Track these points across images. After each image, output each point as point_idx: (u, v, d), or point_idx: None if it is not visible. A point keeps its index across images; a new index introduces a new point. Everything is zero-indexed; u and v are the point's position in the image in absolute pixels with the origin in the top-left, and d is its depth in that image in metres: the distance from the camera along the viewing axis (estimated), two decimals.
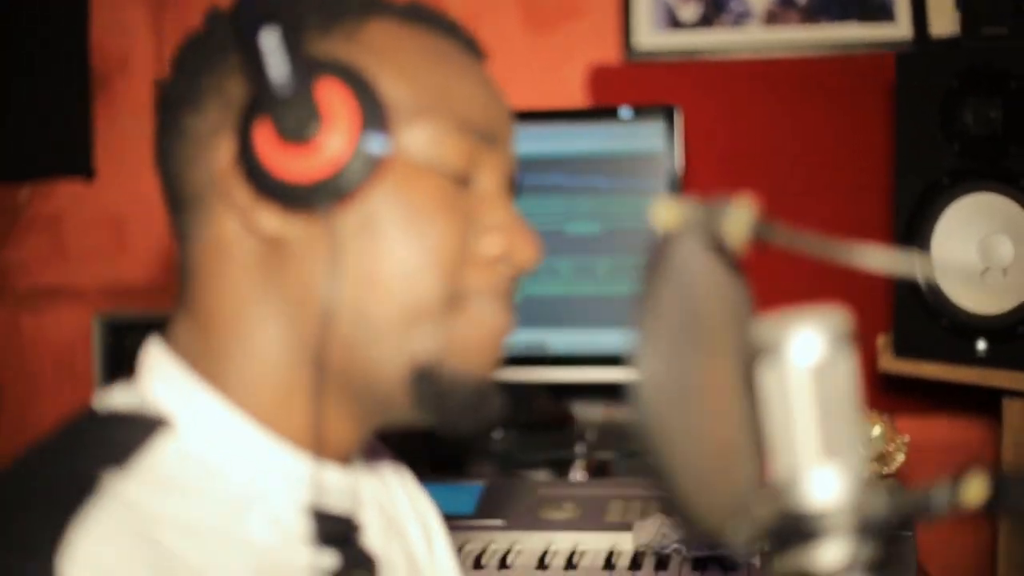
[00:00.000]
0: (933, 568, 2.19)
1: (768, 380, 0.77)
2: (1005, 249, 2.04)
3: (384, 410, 0.98)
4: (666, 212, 0.80)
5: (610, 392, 2.44)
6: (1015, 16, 2.02)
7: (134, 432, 0.94)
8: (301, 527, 0.96)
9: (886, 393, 2.40)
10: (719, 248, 0.81)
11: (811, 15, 2.65)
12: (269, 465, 0.96)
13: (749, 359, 0.82)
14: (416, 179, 0.96)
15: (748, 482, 0.83)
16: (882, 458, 2.05)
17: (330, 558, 0.97)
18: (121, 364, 2.61)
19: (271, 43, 0.90)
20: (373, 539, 1.05)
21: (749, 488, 0.83)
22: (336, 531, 0.98)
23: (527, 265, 1.01)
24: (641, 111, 2.29)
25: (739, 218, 0.80)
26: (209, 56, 1.00)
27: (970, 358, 2.08)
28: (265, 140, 0.91)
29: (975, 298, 2.08)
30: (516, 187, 1.07)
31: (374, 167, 0.92)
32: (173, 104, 1.01)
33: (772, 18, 2.66)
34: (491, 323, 0.99)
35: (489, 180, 1.02)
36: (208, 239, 0.99)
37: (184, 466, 0.93)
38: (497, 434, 2.28)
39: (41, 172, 2.89)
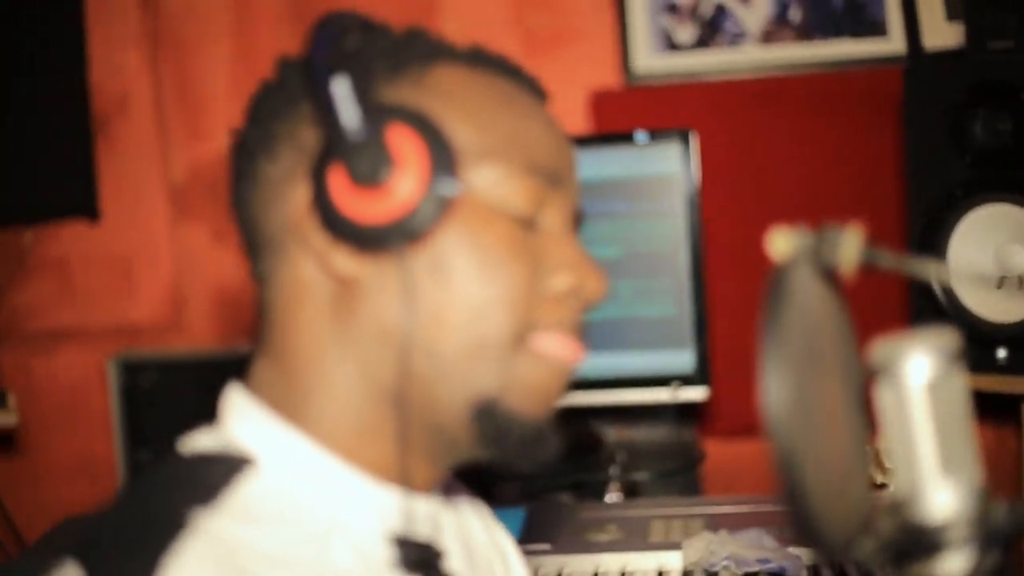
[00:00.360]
0: None
1: (886, 399, 0.80)
2: (1020, 258, 2.08)
3: (451, 447, 1.00)
4: (783, 242, 0.83)
5: (636, 414, 2.47)
6: (1020, 29, 2.07)
7: (220, 471, 0.96)
8: (384, 554, 0.98)
9: None
10: (828, 274, 0.84)
11: (806, 32, 2.69)
12: (351, 496, 0.98)
13: (858, 380, 0.85)
14: (485, 221, 0.98)
15: (863, 499, 0.86)
16: None
17: None
18: (137, 404, 2.62)
19: (342, 91, 0.94)
20: (456, 566, 1.07)
21: (864, 504, 0.86)
22: (420, 557, 1.00)
23: (596, 298, 1.03)
24: (656, 135, 2.32)
25: (851, 245, 0.83)
26: (281, 104, 1.03)
27: (991, 366, 2.12)
28: (339, 185, 0.94)
29: (993, 307, 2.12)
30: (580, 220, 1.09)
31: (444, 209, 0.95)
32: (248, 152, 1.03)
33: (768, 37, 2.70)
34: (556, 360, 1.00)
35: (554, 219, 1.04)
36: (285, 282, 1.01)
37: (269, 501, 0.96)
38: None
39: (45, 215, 2.90)
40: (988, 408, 2.36)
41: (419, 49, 1.03)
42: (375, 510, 0.99)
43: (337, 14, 1.00)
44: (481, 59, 1.05)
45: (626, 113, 2.70)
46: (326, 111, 0.94)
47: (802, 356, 0.80)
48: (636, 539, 1.87)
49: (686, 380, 2.28)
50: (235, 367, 1.06)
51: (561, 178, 1.03)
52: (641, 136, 2.32)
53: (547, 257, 1.01)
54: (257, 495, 0.96)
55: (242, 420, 1.01)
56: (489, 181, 0.98)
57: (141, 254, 2.89)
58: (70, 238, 2.91)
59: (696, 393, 2.29)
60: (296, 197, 0.99)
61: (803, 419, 0.79)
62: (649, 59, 2.74)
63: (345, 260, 0.97)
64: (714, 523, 1.88)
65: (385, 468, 1.00)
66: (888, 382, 0.80)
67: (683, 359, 2.29)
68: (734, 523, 1.85)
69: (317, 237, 0.97)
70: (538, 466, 0.99)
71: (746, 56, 2.70)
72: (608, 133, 2.49)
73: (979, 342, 2.13)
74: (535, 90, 1.07)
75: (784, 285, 0.81)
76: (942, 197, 2.14)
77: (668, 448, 2.46)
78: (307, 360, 1.00)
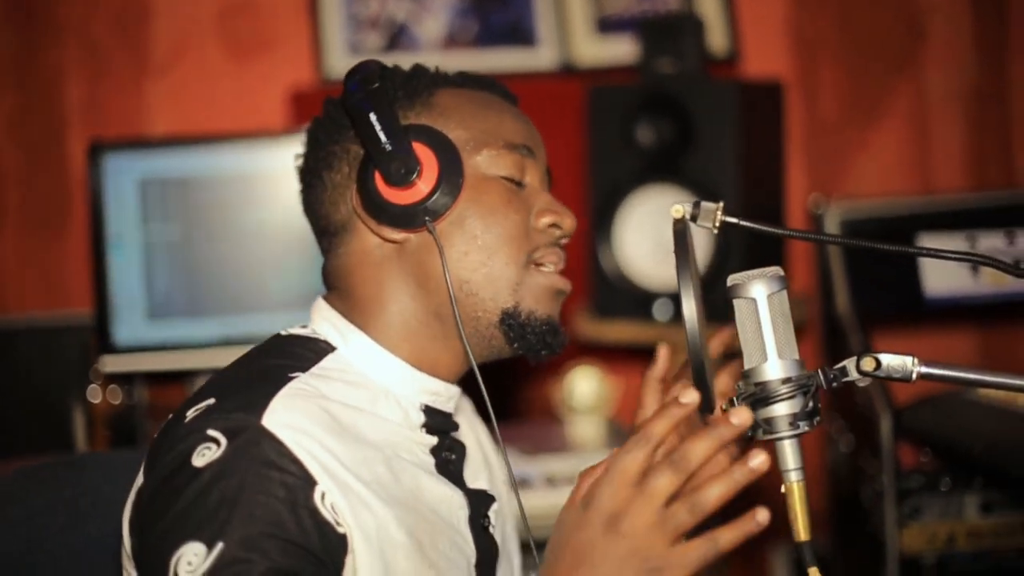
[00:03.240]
0: None
1: (742, 308, 1.28)
2: None
3: (487, 345, 1.44)
4: (679, 209, 1.31)
5: None
6: (680, 53, 2.64)
7: (313, 349, 1.42)
8: (418, 418, 1.43)
9: (588, 354, 2.93)
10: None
11: (474, 44, 3.15)
12: (398, 375, 1.42)
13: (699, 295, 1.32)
14: (486, 186, 1.43)
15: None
16: (600, 403, 2.61)
17: (432, 439, 1.44)
18: None
19: (375, 120, 1.37)
20: (464, 436, 1.53)
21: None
22: (440, 423, 1.46)
23: (571, 228, 1.49)
24: None
25: (715, 212, 1.32)
26: (334, 130, 1.47)
27: (651, 321, 2.69)
28: (381, 185, 1.38)
29: (654, 274, 2.70)
30: (550, 178, 1.54)
31: (456, 190, 1.40)
32: (313, 168, 1.48)
33: (446, 45, 3.14)
34: (552, 279, 1.47)
35: (533, 179, 1.49)
36: (354, 249, 1.45)
37: (343, 372, 1.40)
38: None
39: None
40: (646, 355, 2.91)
41: (423, 81, 1.47)
42: (414, 386, 1.43)
43: (362, 63, 1.42)
44: (467, 80, 1.51)
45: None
46: (367, 135, 1.37)
47: (696, 281, 1.28)
48: None
49: None
50: None
51: (533, 150, 1.48)
52: None
53: (533, 205, 1.46)
54: (336, 367, 1.40)
55: (327, 324, 1.45)
56: (483, 160, 1.44)
57: None
58: None
59: None
60: (353, 195, 1.43)
61: (703, 321, 1.26)
62: (341, 62, 3.08)
63: (394, 233, 1.41)
64: None
65: (422, 361, 1.44)
66: (743, 297, 1.28)
67: None
68: None
69: (371, 221, 1.41)
70: (553, 354, 1.45)
71: (428, 61, 3.07)
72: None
73: (643, 302, 2.69)
74: (506, 94, 1.54)
75: (685, 237, 1.28)
76: (616, 186, 2.69)
77: None
78: (371, 295, 1.43)
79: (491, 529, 1.47)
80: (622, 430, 2.61)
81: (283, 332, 1.47)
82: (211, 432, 1.27)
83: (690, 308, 1.25)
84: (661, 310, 2.68)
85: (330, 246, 1.48)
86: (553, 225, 1.47)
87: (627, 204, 2.69)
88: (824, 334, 2.82)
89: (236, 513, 1.23)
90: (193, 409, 1.32)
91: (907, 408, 2.54)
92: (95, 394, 2.61)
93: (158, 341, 2.48)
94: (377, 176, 1.38)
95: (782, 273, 1.30)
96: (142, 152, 2.52)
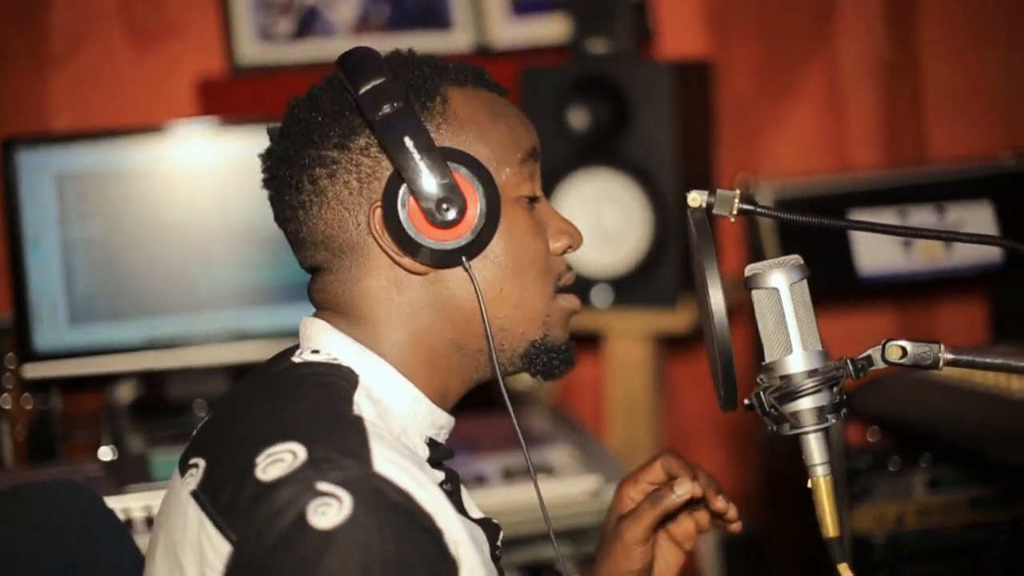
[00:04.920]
0: None
1: (762, 300, 1.23)
2: (611, 217, 2.61)
3: (492, 371, 1.33)
4: (696, 197, 1.25)
5: None
6: (613, 31, 2.59)
7: (346, 381, 1.26)
8: (423, 452, 1.30)
9: None
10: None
11: (387, 27, 3.06)
12: (415, 407, 1.30)
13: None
14: (512, 213, 1.30)
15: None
16: (541, 393, 2.55)
17: (440, 473, 1.32)
18: None
19: (412, 145, 1.22)
20: (453, 464, 1.40)
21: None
22: (439, 455, 1.33)
23: (581, 245, 1.41)
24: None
25: (732, 199, 1.26)
26: (336, 134, 1.26)
27: (589, 307, 2.64)
28: (417, 218, 1.24)
29: (591, 260, 2.64)
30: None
31: (495, 227, 1.28)
32: (310, 170, 1.27)
33: (359, 29, 3.05)
34: (571, 302, 1.38)
35: (537, 187, 1.35)
36: (369, 274, 1.29)
37: (374, 403, 1.26)
38: None
39: None
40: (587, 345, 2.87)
41: (430, 75, 1.29)
42: (427, 419, 1.31)
43: (363, 52, 1.28)
44: (466, 75, 1.33)
45: (231, 101, 2.90)
46: (402, 163, 1.22)
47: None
48: None
49: None
50: None
51: (539, 151, 1.36)
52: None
53: (548, 225, 1.35)
54: (367, 399, 1.25)
55: (340, 347, 1.29)
56: (507, 181, 1.30)
57: None
58: None
59: None
60: (367, 215, 1.26)
61: (727, 310, 1.21)
62: (252, 49, 2.97)
63: (421, 267, 1.27)
64: None
65: (435, 390, 1.31)
66: (763, 288, 1.23)
67: None
68: None
69: (397, 251, 1.26)
70: (565, 373, 1.37)
71: (340, 47, 2.98)
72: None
73: (577, 288, 2.62)
74: (499, 87, 1.36)
75: (707, 224, 1.23)
76: (550, 170, 2.62)
77: None
78: (388, 321, 1.29)
79: (500, 561, 1.38)
80: (566, 419, 2.55)
81: (296, 359, 1.30)
82: (323, 486, 1.12)
83: (717, 300, 1.20)
84: (599, 296, 2.63)
85: (330, 266, 1.31)
86: (569, 246, 1.38)
87: (562, 189, 2.64)
88: None
89: (392, 573, 1.10)
90: (265, 456, 1.17)
91: (855, 388, 2.52)
92: (6, 400, 2.48)
93: (81, 346, 2.35)
94: (413, 209, 1.24)
95: (802, 261, 1.25)
96: (57, 147, 2.38)
